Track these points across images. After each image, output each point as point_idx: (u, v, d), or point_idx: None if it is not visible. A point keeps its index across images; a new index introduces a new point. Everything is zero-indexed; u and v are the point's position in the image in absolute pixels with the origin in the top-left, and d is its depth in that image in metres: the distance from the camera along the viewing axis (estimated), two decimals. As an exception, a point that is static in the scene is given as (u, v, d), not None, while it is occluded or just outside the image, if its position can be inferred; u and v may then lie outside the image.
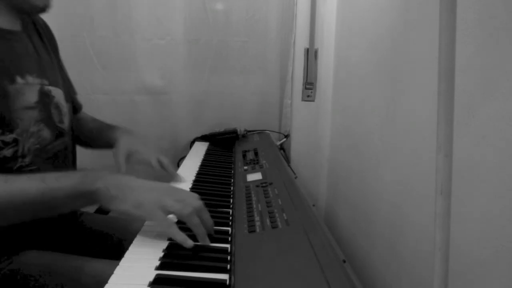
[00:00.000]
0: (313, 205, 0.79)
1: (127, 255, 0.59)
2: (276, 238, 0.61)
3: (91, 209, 1.02)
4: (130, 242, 0.62)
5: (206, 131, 1.43)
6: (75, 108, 1.02)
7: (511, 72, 0.50)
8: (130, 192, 0.62)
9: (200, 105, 1.45)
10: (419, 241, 0.74)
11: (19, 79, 0.74)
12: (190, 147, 1.38)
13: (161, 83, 1.40)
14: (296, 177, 0.97)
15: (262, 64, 1.46)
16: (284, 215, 0.68)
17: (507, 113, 0.50)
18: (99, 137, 1.01)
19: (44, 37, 0.90)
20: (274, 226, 0.65)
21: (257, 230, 0.65)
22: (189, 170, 1.03)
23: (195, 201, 0.65)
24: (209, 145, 1.37)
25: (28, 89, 0.76)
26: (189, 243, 0.59)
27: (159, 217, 0.61)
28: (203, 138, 1.43)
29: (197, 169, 1.05)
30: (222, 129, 1.40)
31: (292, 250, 0.57)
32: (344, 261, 0.56)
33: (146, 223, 0.68)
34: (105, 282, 0.51)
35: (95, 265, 0.73)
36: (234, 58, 1.43)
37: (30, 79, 0.77)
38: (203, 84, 1.44)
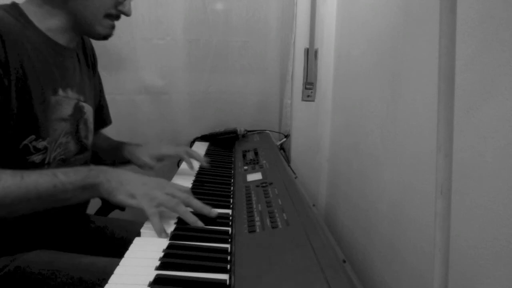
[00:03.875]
0: (313, 205, 0.79)
1: (127, 254, 0.59)
2: (276, 238, 0.61)
3: (91, 210, 1.02)
4: (130, 242, 0.62)
5: (206, 131, 1.43)
6: (105, 122, 1.07)
7: (511, 72, 0.50)
8: (126, 184, 0.69)
9: (200, 105, 1.45)
10: (419, 241, 0.74)
11: (60, 92, 0.79)
12: (190, 147, 1.38)
13: (161, 83, 1.40)
14: (296, 177, 0.97)
15: (262, 64, 1.46)
16: (284, 215, 0.68)
17: (507, 113, 0.50)
18: (112, 153, 1.05)
19: (89, 56, 0.96)
20: (274, 226, 0.65)
21: (257, 230, 0.65)
22: (189, 170, 1.03)
23: (182, 193, 0.71)
24: (209, 145, 1.37)
25: (66, 102, 0.81)
26: (163, 235, 0.65)
27: (148, 207, 0.67)
28: (203, 138, 1.43)
29: (197, 169, 1.05)
30: (222, 129, 1.40)
31: (292, 250, 0.57)
32: (344, 261, 0.56)
33: (146, 223, 0.68)
34: (106, 280, 0.51)
35: (98, 263, 0.73)
36: (234, 58, 1.43)
37: (70, 93, 0.82)
38: (203, 84, 1.44)
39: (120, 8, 0.83)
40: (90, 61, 0.96)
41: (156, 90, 1.40)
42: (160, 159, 1.01)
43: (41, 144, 0.74)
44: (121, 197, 0.68)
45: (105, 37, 0.84)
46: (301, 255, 0.55)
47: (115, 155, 1.04)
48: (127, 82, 1.37)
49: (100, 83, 1.05)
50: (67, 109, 0.80)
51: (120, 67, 1.35)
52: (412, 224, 0.77)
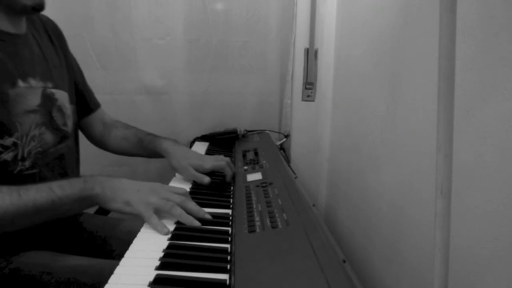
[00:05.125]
0: (313, 205, 0.79)
1: (127, 255, 0.59)
2: (276, 238, 0.61)
3: (91, 210, 1.02)
4: (130, 242, 0.62)
5: (206, 131, 1.43)
6: (90, 107, 1.02)
7: (511, 72, 0.50)
8: (121, 193, 0.69)
9: (200, 105, 1.45)
10: (419, 241, 0.74)
11: (20, 83, 0.74)
12: (190, 147, 1.38)
13: (161, 83, 1.40)
14: (296, 177, 0.97)
15: (262, 64, 1.46)
16: (284, 215, 0.68)
17: (507, 113, 0.50)
18: (139, 146, 1.02)
19: (54, 39, 0.90)
20: (274, 226, 0.65)
21: (257, 230, 0.65)
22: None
23: (177, 197, 0.72)
24: (209, 145, 1.37)
25: (30, 93, 0.76)
26: (165, 230, 0.66)
27: (144, 212, 0.68)
28: (203, 138, 1.43)
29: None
30: (222, 129, 1.39)
31: (292, 250, 0.57)
32: (344, 261, 0.56)
33: (146, 223, 0.68)
34: (105, 282, 0.51)
35: (95, 265, 0.73)
36: (234, 58, 1.43)
37: (33, 82, 0.77)
38: (203, 84, 1.44)
39: None
40: (55, 42, 0.90)
41: (156, 90, 1.40)
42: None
43: (8, 141, 0.71)
44: (117, 206, 0.69)
45: (35, 8, 0.75)
46: (301, 255, 0.55)
47: (143, 149, 1.01)
48: (127, 82, 1.37)
49: (76, 65, 0.99)
50: (33, 100, 0.76)
51: (120, 67, 1.35)
52: (412, 224, 0.77)
